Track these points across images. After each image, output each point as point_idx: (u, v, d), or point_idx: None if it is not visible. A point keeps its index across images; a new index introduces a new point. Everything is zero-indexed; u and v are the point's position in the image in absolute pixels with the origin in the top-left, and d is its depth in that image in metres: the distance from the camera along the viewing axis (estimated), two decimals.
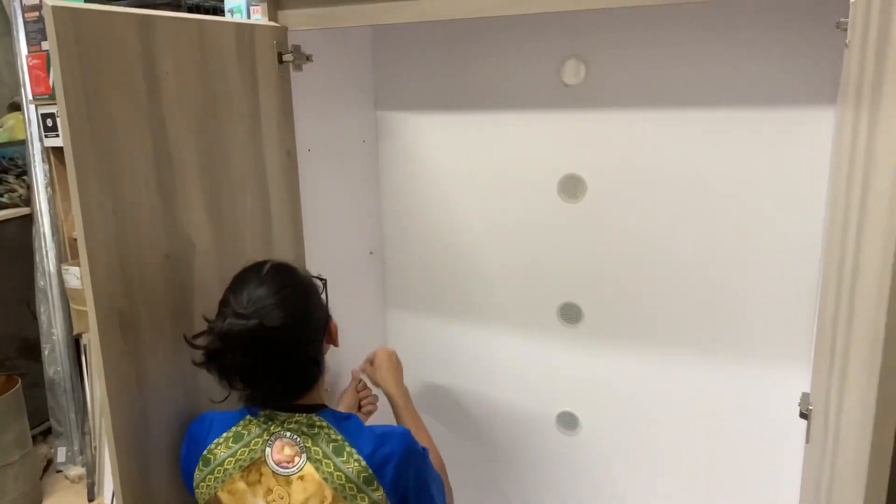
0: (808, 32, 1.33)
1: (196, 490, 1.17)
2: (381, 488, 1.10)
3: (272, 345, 1.10)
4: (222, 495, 1.14)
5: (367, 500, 1.10)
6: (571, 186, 1.61)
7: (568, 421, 1.75)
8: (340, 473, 1.10)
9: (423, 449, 1.17)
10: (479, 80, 1.66)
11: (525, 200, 1.67)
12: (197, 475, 1.17)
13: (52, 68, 1.01)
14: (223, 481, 1.14)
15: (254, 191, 1.40)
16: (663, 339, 1.59)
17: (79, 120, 1.05)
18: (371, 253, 1.84)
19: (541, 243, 1.68)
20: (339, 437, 1.13)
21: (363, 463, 1.10)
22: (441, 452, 1.96)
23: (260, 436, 1.15)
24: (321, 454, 1.12)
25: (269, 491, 1.12)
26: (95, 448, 2.63)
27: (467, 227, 1.75)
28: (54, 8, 1.00)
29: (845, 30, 1.04)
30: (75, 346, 2.67)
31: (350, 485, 1.10)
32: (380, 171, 1.82)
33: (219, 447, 1.16)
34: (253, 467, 1.13)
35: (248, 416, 1.17)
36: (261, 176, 1.41)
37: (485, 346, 1.81)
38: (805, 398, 1.21)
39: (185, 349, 1.26)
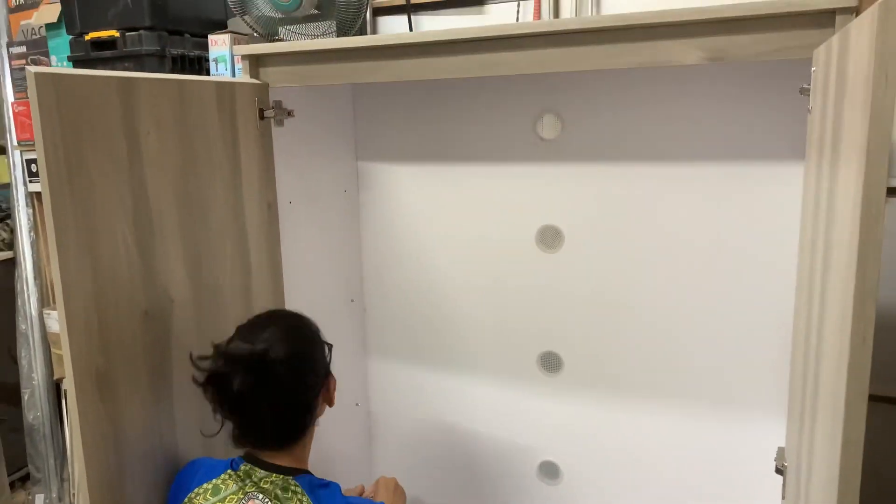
0: (779, 93, 1.37)
1: None
2: None
3: (272, 375, 1.11)
4: None
5: None
6: (549, 237, 1.64)
7: (549, 470, 1.75)
8: None
9: None
10: (459, 133, 1.69)
11: (504, 250, 1.69)
12: None
13: (34, 127, 1.03)
14: None
15: (233, 243, 1.41)
16: (642, 389, 1.61)
17: (58, 179, 1.07)
18: (352, 301, 1.85)
19: (520, 292, 1.69)
20: None
21: None
22: (421, 499, 1.96)
23: (235, 493, 1.15)
24: None
25: None
26: (74, 495, 2.59)
27: (447, 276, 1.77)
28: (37, 74, 1.02)
29: (808, 95, 1.07)
30: (55, 391, 2.64)
31: None
32: (360, 220, 1.83)
33: (198, 497, 1.16)
34: None
35: (229, 471, 1.17)
36: (241, 228, 1.43)
37: (465, 395, 1.81)
38: (781, 453, 1.22)
39: (162, 404, 1.27)
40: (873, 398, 0.75)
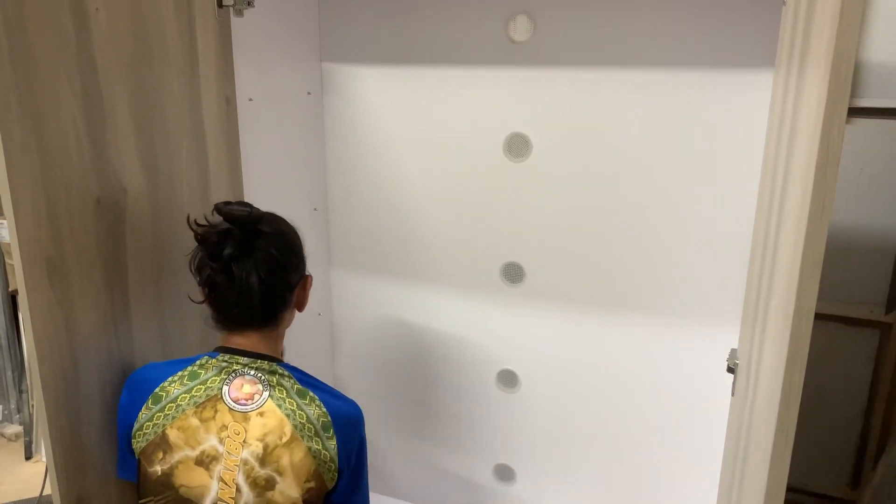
0: None
1: (139, 431, 1.14)
2: (335, 438, 1.13)
3: (264, 244, 1.13)
4: (171, 432, 1.12)
5: (321, 444, 1.12)
6: (517, 145, 1.62)
7: (508, 378, 1.78)
8: (302, 413, 1.12)
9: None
10: (427, 35, 1.64)
11: (470, 158, 1.67)
12: (143, 415, 1.14)
13: None
14: (174, 418, 1.12)
15: (190, 138, 1.36)
16: (602, 298, 1.62)
17: None
18: (315, 210, 1.82)
19: (485, 202, 1.68)
20: (301, 386, 1.15)
21: (324, 409, 1.13)
22: (383, 408, 1.98)
23: (218, 374, 1.14)
24: (284, 393, 1.13)
25: (224, 427, 1.11)
26: (33, 406, 2.58)
27: (412, 185, 1.74)
28: None
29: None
30: (12, 303, 2.59)
31: (309, 425, 1.12)
32: (325, 124, 1.79)
33: (172, 384, 1.15)
34: (208, 404, 1.12)
35: (205, 357, 1.17)
36: (197, 123, 1.38)
37: (428, 304, 1.81)
38: (733, 354, 1.25)
39: (117, 296, 1.24)
40: (822, 316, 0.76)
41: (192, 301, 1.19)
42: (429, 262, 1.78)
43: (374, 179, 1.78)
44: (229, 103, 1.45)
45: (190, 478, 1.10)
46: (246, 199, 1.52)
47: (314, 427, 1.12)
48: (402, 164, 1.74)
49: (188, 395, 1.13)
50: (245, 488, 1.09)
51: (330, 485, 1.14)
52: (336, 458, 1.13)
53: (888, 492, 1.66)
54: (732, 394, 1.21)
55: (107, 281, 1.21)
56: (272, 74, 1.60)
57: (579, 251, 1.62)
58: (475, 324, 1.77)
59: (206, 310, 1.17)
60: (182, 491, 1.10)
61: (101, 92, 1.16)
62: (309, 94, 1.73)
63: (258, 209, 1.17)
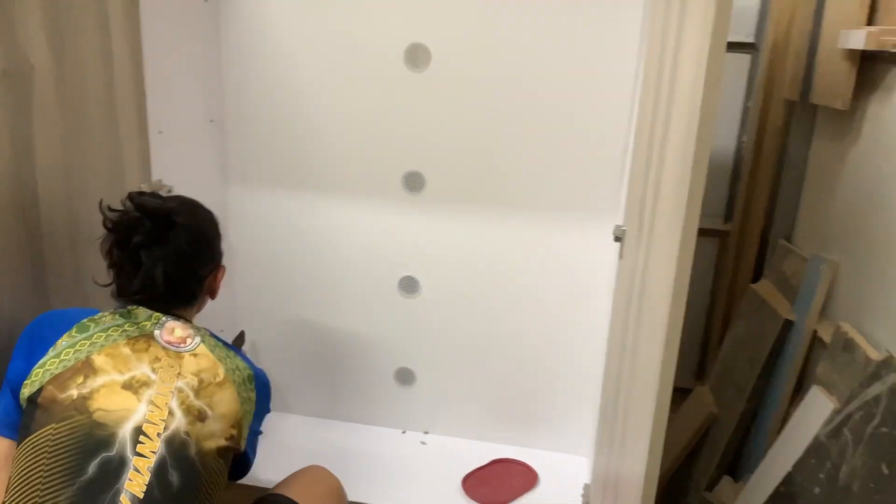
0: None
1: (53, 359, 1.06)
2: (255, 392, 1.17)
3: (172, 233, 1.14)
4: (98, 358, 1.06)
5: (245, 393, 1.15)
6: (417, 55, 1.70)
7: (409, 284, 1.87)
8: (232, 361, 1.16)
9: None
10: None
11: (371, 69, 1.72)
12: (63, 342, 1.07)
13: None
14: (103, 346, 1.07)
15: (95, 23, 1.32)
16: (498, 203, 1.75)
17: None
18: (211, 121, 1.80)
19: (386, 112, 1.75)
20: (221, 344, 1.19)
21: (245, 365, 1.19)
22: (285, 323, 2.01)
23: (148, 318, 1.13)
24: (213, 342, 1.16)
25: (157, 359, 1.08)
26: None
27: (312, 96, 1.77)
28: None
29: None
30: None
31: (238, 373, 1.15)
32: (220, 33, 1.76)
33: (104, 318, 1.12)
34: (141, 339, 1.10)
35: (130, 307, 1.15)
36: (100, 11, 1.33)
37: (330, 215, 1.85)
38: (617, 228, 1.43)
39: (27, 179, 1.19)
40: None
41: (97, 284, 1.16)
42: (330, 174, 1.83)
43: (273, 90, 1.78)
44: None
45: (111, 401, 1.03)
46: (147, 106, 1.49)
47: (241, 375, 1.15)
48: (302, 74, 1.76)
49: (120, 329, 1.10)
50: (178, 413, 1.05)
51: (243, 439, 1.14)
52: (252, 412, 1.16)
53: (723, 381, 1.95)
54: (621, 257, 1.39)
55: (14, 156, 1.16)
56: None
57: (475, 158, 1.74)
58: (378, 233, 1.84)
59: (112, 289, 1.16)
60: (97, 415, 1.01)
61: None
62: (206, 0, 1.70)
63: (173, 198, 1.21)
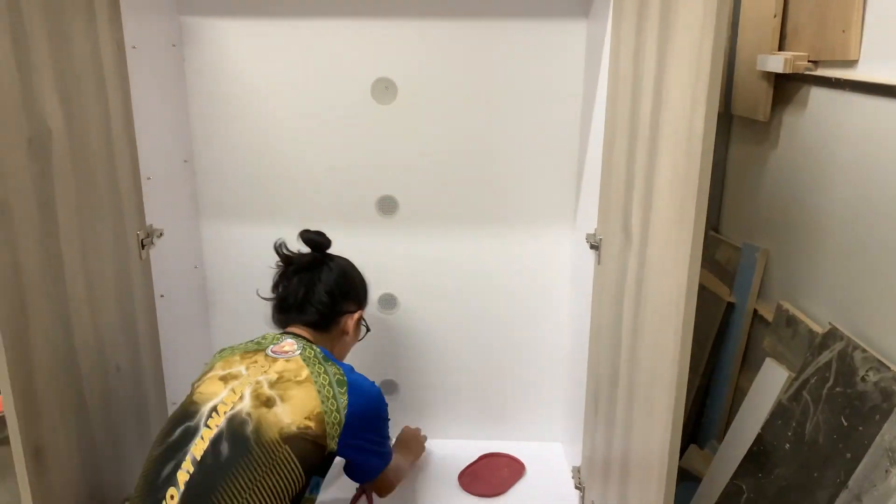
0: None
1: (203, 372, 1.39)
2: (347, 396, 1.29)
3: (323, 267, 1.57)
4: (217, 363, 1.36)
5: (332, 394, 1.28)
6: (383, 90, 1.81)
7: (388, 302, 1.98)
8: (322, 366, 1.33)
9: (386, 408, 1.44)
10: None
11: (340, 103, 1.82)
12: (210, 361, 1.43)
13: None
14: (224, 358, 1.37)
15: (93, 81, 1.35)
16: (466, 218, 1.90)
17: None
18: (185, 161, 1.83)
19: (358, 143, 1.85)
20: (326, 355, 1.38)
21: (342, 372, 1.33)
22: None
23: (272, 340, 1.41)
24: (312, 354, 1.36)
25: (255, 362, 1.33)
26: None
27: (285, 131, 1.85)
28: None
29: None
30: None
31: (325, 376, 1.31)
32: (187, 77, 1.80)
33: (245, 343, 1.43)
34: (254, 353, 1.37)
35: (267, 333, 1.47)
36: (97, 67, 1.37)
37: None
38: (591, 237, 1.61)
39: (51, 240, 1.22)
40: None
41: (260, 297, 1.61)
42: (306, 203, 1.90)
43: (243, 129, 1.84)
44: (119, 48, 1.44)
45: (206, 387, 1.30)
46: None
47: (329, 379, 1.31)
48: (272, 113, 1.83)
49: (243, 346, 1.41)
50: (247, 398, 1.25)
51: (332, 434, 1.27)
52: (343, 412, 1.28)
53: None
54: (599, 263, 1.57)
55: (42, 223, 1.19)
56: (134, 26, 1.59)
57: (443, 179, 1.87)
58: (355, 255, 1.92)
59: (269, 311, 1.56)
60: (196, 396, 1.29)
61: (25, 30, 1.14)
62: (174, 46, 1.74)
63: (332, 255, 1.64)
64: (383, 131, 1.84)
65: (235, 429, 1.20)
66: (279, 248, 1.58)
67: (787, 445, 1.39)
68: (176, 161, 1.80)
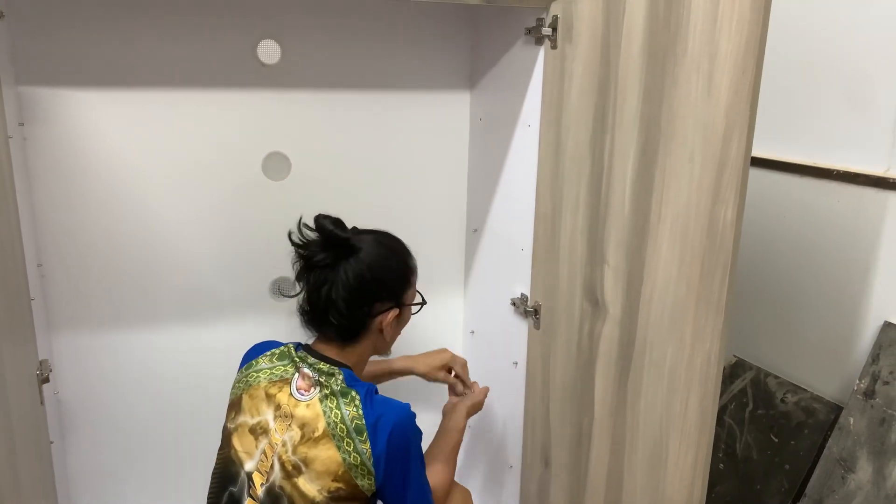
0: (453, 38, 1.75)
1: (233, 387, 1.34)
2: (368, 441, 1.18)
3: (346, 263, 1.26)
4: (245, 397, 1.28)
5: (352, 446, 1.18)
6: (276, 164, 1.67)
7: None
8: (338, 413, 1.20)
9: (417, 430, 1.27)
10: (172, 57, 1.52)
11: (230, 181, 1.63)
12: (238, 374, 1.34)
13: None
14: (251, 385, 1.28)
15: None
16: None
17: None
18: (39, 265, 1.47)
19: (249, 223, 1.68)
20: (346, 385, 1.24)
21: (360, 412, 1.20)
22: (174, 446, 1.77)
23: (293, 363, 1.28)
24: (329, 391, 1.23)
25: (279, 407, 1.24)
26: None
27: (169, 217, 1.60)
28: None
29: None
30: None
31: (342, 426, 1.19)
32: (28, 164, 1.45)
33: (264, 358, 1.32)
34: (279, 383, 1.26)
35: (294, 346, 1.33)
36: None
37: (199, 338, 1.69)
38: (525, 299, 1.66)
39: None
40: None
41: (282, 294, 1.55)
42: (195, 292, 1.66)
43: (113, 218, 1.55)
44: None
45: (241, 442, 1.25)
46: None
47: (346, 428, 1.19)
48: (148, 195, 1.57)
49: (269, 371, 1.29)
50: (277, 467, 1.20)
51: (367, 487, 1.19)
52: (369, 462, 1.18)
53: None
54: (538, 328, 1.63)
55: None
56: None
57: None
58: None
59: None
60: (232, 453, 1.25)
61: None
62: (21, 124, 1.39)
63: (369, 232, 1.35)
64: (274, 208, 1.69)
65: (273, 503, 1.20)
66: (300, 227, 1.29)
67: (721, 465, 1.61)
68: (31, 266, 1.44)
